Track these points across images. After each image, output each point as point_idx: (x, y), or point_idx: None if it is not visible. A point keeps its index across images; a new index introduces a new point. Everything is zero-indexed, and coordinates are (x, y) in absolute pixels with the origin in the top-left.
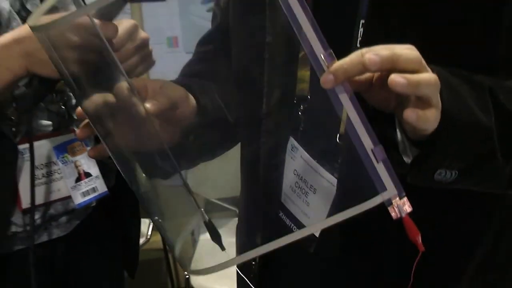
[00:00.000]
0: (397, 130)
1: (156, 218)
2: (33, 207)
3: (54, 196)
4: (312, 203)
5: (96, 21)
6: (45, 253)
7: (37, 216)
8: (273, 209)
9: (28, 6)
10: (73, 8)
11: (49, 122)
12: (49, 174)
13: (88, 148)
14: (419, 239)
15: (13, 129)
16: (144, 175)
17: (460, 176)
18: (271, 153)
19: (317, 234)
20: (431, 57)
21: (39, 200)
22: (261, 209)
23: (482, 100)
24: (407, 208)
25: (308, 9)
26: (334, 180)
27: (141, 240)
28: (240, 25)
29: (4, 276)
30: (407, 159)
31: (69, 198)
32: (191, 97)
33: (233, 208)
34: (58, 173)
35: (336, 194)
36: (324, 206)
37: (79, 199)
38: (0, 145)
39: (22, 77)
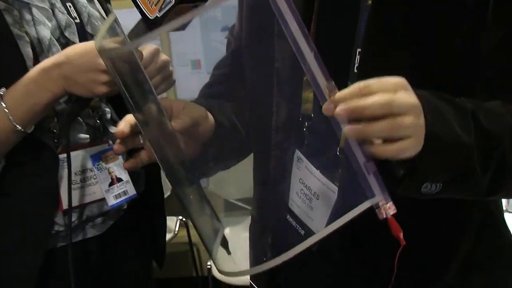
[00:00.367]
0: None
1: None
2: (70, 208)
3: (90, 198)
4: (316, 208)
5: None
6: (82, 250)
7: (74, 217)
8: (282, 213)
9: (66, 34)
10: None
11: (87, 136)
12: (86, 180)
13: (120, 157)
14: (401, 235)
15: (55, 140)
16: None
17: (444, 188)
18: (279, 164)
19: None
20: (422, 81)
21: (77, 202)
22: (271, 213)
23: (465, 122)
24: (392, 211)
25: (313, 44)
26: (335, 188)
27: (169, 236)
28: (252, 52)
29: (50, 269)
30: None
31: (103, 200)
32: (210, 116)
33: (249, 207)
34: (94, 179)
35: (336, 200)
36: (326, 210)
37: (112, 201)
38: (43, 155)
39: (61, 96)
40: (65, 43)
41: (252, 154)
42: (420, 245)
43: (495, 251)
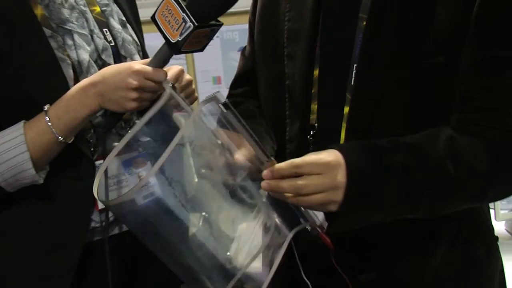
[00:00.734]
0: None
1: None
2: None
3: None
4: None
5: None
6: (117, 243)
7: (110, 214)
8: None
9: (103, 56)
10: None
11: None
12: (118, 183)
13: (148, 162)
14: (329, 242)
15: (92, 149)
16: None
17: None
18: None
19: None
20: (410, 92)
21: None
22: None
23: (393, 181)
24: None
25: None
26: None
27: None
28: (264, 71)
29: (87, 260)
30: None
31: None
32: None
33: None
34: (125, 182)
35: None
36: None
37: (140, 201)
38: (81, 162)
39: (97, 111)
40: (101, 64)
41: None
42: (407, 232)
43: (475, 233)
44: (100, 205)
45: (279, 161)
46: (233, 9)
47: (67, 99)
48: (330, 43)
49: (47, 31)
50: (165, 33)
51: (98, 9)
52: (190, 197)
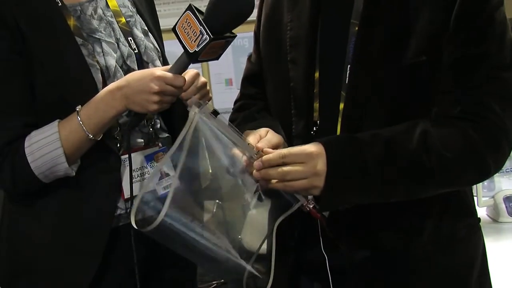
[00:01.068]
0: None
1: None
2: (132, 196)
3: (145, 189)
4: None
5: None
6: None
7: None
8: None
9: (128, 62)
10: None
11: (142, 140)
12: (142, 175)
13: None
14: (320, 216)
15: (118, 145)
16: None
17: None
18: None
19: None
20: (399, 89)
21: (136, 192)
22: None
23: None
24: (312, 207)
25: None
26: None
27: (207, 216)
28: (272, 76)
29: (113, 243)
30: None
31: (155, 191)
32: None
33: None
34: (148, 174)
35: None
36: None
37: (161, 191)
38: (109, 156)
39: (123, 112)
40: (126, 69)
41: None
42: (398, 211)
43: (458, 214)
44: (126, 195)
45: None
46: None
47: (96, 101)
48: (328, 48)
49: (79, 40)
50: (184, 44)
51: (123, 20)
52: (205, 186)
